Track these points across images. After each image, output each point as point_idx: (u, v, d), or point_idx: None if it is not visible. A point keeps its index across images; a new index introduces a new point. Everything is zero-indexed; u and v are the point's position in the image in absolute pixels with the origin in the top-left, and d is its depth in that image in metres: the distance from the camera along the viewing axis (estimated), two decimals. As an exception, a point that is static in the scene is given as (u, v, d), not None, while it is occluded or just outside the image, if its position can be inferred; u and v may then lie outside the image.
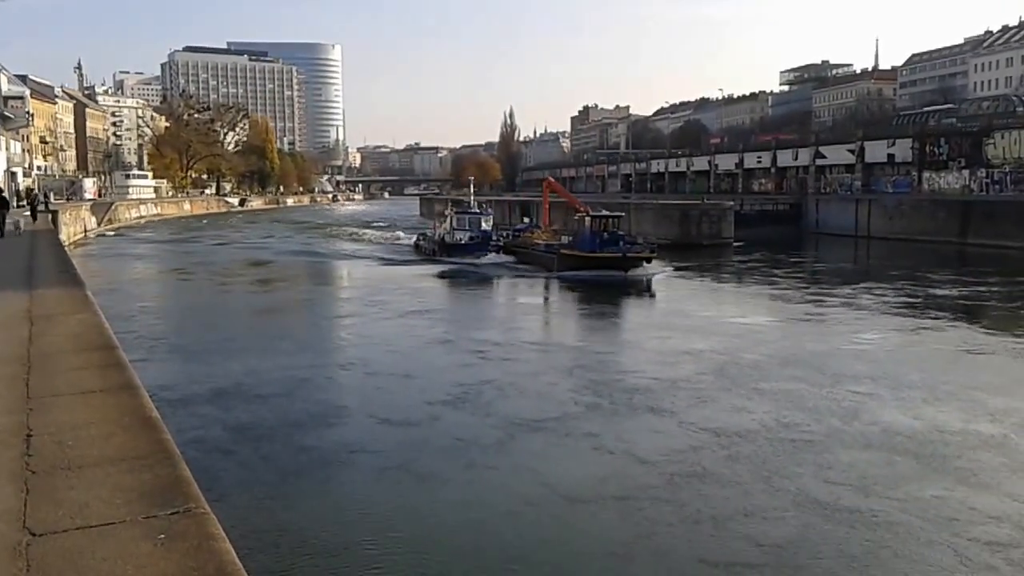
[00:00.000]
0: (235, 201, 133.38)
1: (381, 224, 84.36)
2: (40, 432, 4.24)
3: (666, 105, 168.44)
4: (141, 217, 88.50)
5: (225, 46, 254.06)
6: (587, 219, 37.51)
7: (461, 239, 42.64)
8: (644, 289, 33.47)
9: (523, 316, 28.41)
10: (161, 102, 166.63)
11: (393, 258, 46.65)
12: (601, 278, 33.58)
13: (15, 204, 30.99)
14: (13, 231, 25.33)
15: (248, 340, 22.45)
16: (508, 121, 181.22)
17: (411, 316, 26.05)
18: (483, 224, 43.96)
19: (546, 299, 32.55)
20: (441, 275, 38.06)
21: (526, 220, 54.25)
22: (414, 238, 53.63)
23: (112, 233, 68.78)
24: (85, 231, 61.60)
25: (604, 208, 44.63)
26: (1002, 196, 50.98)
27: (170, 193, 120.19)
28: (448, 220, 45.53)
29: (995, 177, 53.52)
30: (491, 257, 41.57)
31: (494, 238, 44.04)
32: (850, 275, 38.52)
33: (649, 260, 35.50)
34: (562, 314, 29.74)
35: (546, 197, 52.82)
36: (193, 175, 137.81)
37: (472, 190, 52.14)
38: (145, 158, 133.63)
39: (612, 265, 34.33)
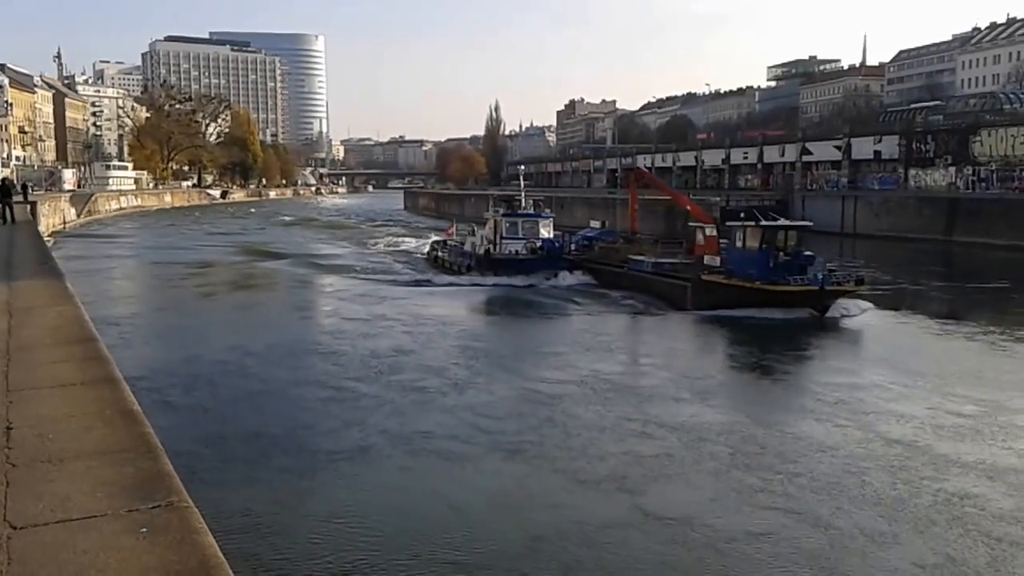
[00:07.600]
0: (217, 193, 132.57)
1: (377, 222, 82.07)
2: (20, 425, 4.20)
3: (653, 100, 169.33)
4: (121, 209, 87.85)
5: (207, 36, 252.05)
6: (756, 230, 25.31)
7: (517, 252, 31.71)
8: (851, 338, 22.71)
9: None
10: (142, 92, 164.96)
11: (404, 276, 35.36)
12: (778, 321, 22.88)
13: None
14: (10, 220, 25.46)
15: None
16: (493, 115, 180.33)
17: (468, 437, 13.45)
18: (542, 230, 33.07)
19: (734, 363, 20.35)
20: (489, 308, 27.40)
21: (594, 224, 40.19)
22: (427, 247, 42.42)
23: (93, 225, 68.13)
24: (64, 222, 61.11)
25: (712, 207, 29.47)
26: (988, 194, 51.36)
27: (151, 185, 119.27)
28: (492, 225, 33.95)
29: (981, 175, 53.88)
30: (565, 277, 30.85)
31: (565, 251, 33.35)
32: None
33: (848, 293, 24.55)
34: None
35: (633, 194, 38.38)
36: (174, 167, 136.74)
37: (522, 183, 40.12)
38: (125, 149, 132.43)
39: (802, 302, 23.66)
